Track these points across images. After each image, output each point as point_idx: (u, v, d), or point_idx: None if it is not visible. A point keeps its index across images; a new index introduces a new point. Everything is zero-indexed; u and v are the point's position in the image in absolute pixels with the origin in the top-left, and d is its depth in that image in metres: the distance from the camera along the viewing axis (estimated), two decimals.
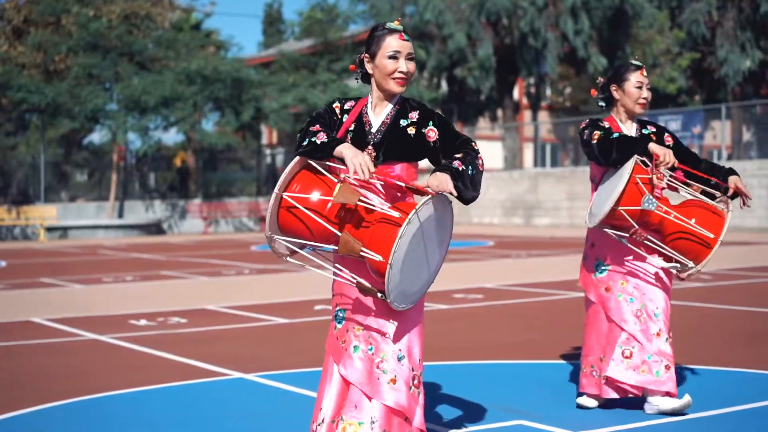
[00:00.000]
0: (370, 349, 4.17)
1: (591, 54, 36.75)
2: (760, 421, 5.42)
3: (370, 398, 4.13)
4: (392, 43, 4.21)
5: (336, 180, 4.08)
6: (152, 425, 5.67)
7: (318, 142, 4.08)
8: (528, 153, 46.07)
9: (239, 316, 10.47)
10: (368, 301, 4.17)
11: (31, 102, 31.51)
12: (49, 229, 30.88)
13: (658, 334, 5.52)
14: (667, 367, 5.49)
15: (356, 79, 4.39)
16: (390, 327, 4.17)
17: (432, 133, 4.25)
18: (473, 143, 4.24)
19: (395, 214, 3.94)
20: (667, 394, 5.50)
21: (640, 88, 5.69)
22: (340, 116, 4.36)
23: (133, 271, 16.77)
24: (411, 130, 4.26)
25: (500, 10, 36.34)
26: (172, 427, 5.63)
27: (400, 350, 4.16)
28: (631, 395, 5.61)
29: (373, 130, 4.29)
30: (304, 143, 4.12)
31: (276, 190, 4.04)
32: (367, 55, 4.29)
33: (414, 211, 3.90)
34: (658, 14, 39.11)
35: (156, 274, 15.94)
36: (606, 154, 5.47)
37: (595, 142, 5.50)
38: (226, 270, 16.68)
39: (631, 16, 37.33)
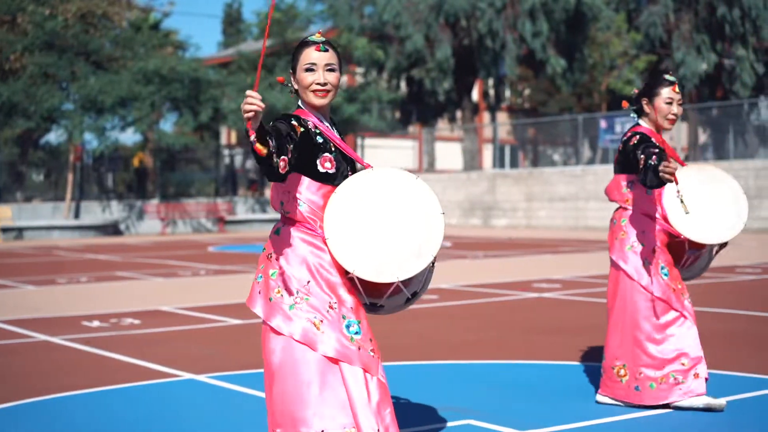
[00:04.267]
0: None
1: (549, 56, 36.98)
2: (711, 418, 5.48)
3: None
4: (310, 55, 4.06)
5: None
6: (102, 426, 5.64)
7: None
8: (487, 154, 46.28)
9: (193, 317, 10.42)
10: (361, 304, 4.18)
11: None
12: (4, 230, 30.52)
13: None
14: None
15: (290, 92, 4.20)
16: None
17: None
18: None
19: None
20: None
21: (670, 104, 5.69)
22: (315, 138, 4.03)
23: (87, 272, 16.64)
24: None
25: (458, 11, 36.46)
26: (122, 427, 5.60)
27: None
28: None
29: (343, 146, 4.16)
30: None
31: None
32: (291, 70, 4.18)
33: None
34: (616, 17, 39.44)
35: (111, 275, 15.82)
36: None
37: None
38: (182, 271, 16.59)
39: (589, 18, 37.62)
